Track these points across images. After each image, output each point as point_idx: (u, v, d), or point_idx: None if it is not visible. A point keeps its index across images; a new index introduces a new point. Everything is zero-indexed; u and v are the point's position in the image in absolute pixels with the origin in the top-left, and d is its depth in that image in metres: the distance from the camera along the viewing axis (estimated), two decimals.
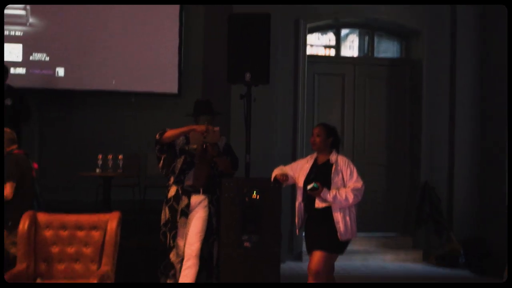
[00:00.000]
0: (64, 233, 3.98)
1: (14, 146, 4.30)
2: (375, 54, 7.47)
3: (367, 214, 7.10)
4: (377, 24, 7.21)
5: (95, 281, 3.51)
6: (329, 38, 7.48)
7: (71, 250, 3.96)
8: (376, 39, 7.45)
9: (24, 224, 3.82)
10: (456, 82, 6.89)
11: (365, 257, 6.76)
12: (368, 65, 7.31)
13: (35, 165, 4.43)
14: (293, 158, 6.31)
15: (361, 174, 7.13)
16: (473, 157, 6.87)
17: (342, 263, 6.47)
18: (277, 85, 6.50)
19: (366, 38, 7.47)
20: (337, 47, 7.42)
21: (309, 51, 7.12)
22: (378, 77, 7.27)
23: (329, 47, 7.49)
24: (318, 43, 7.49)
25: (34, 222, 3.91)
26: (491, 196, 6.63)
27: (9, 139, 4.25)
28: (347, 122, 7.19)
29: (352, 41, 7.60)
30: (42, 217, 3.98)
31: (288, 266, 6.22)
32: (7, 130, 4.28)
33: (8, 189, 4.07)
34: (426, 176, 6.91)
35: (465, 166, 6.86)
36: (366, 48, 7.49)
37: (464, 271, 6.31)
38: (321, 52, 7.50)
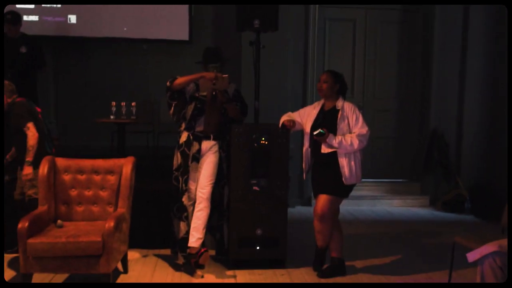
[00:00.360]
0: (82, 177, 4.17)
1: (15, 96, 4.41)
2: None
3: (376, 160, 7.23)
4: None
5: (112, 223, 3.70)
6: None
7: (88, 193, 4.16)
8: None
9: (43, 168, 4.00)
10: (469, 28, 6.79)
11: (373, 202, 6.93)
12: (380, 9, 7.19)
13: (38, 109, 4.58)
14: (303, 104, 6.37)
15: (370, 120, 7.22)
16: (482, 104, 6.87)
17: (350, 207, 6.69)
18: (288, 31, 6.49)
19: None
20: None
21: None
22: (390, 22, 7.18)
23: None
24: None
25: (53, 167, 4.09)
26: (499, 143, 6.67)
27: (9, 90, 4.35)
28: (358, 68, 7.18)
29: None
30: (60, 162, 4.16)
31: (297, 211, 6.43)
32: (6, 82, 4.39)
33: (32, 128, 4.22)
34: (436, 123, 6.96)
35: (475, 112, 6.87)
36: None
37: (468, 216, 6.45)
38: None
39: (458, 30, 6.86)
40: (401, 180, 7.28)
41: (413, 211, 6.71)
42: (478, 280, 2.99)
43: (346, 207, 6.70)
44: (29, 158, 4.18)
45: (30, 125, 4.22)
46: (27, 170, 4.19)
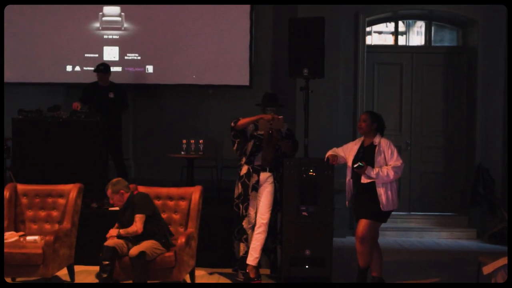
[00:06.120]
0: (158, 202, 4.94)
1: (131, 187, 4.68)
2: (433, 43, 7.89)
3: (425, 194, 7.64)
4: (433, 14, 7.62)
5: (184, 239, 4.43)
6: (388, 28, 8.02)
7: (164, 216, 4.90)
8: (433, 28, 7.86)
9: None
10: None
11: (421, 234, 7.29)
12: (425, 53, 7.72)
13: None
14: (353, 140, 6.94)
15: (418, 157, 7.71)
16: None
17: (399, 238, 7.13)
18: (338, 76, 7.17)
19: (423, 27, 7.89)
20: (396, 37, 7.94)
21: (369, 41, 7.70)
22: (436, 64, 7.67)
23: (390, 33, 8.00)
24: (378, 32, 8.03)
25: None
26: None
27: (125, 185, 4.57)
28: (405, 107, 7.66)
29: (410, 31, 8.07)
30: (141, 189, 4.94)
31: (347, 240, 6.90)
32: (120, 178, 4.66)
33: (139, 223, 4.41)
34: (482, 159, 7.28)
35: None
36: (424, 37, 7.91)
37: None
38: (381, 42, 8.05)
39: (501, 69, 7.22)
40: (449, 213, 7.59)
41: (460, 242, 7.01)
42: None
43: (395, 238, 7.15)
44: (124, 231, 4.41)
45: (139, 217, 4.42)
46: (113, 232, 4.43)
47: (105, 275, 4.21)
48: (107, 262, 4.20)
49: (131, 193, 4.57)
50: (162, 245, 4.44)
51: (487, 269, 3.45)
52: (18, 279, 4.94)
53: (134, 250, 4.26)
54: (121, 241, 4.36)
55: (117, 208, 4.77)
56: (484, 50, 7.31)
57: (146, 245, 4.33)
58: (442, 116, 7.69)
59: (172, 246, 4.48)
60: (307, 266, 4.90)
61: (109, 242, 4.31)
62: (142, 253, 4.23)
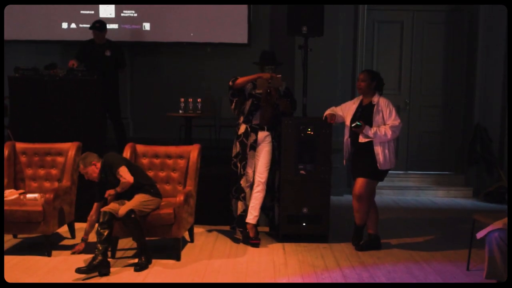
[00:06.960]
0: (157, 161, 4.99)
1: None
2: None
3: (422, 153, 7.67)
4: None
5: (182, 197, 4.47)
6: None
7: (162, 174, 4.98)
8: None
9: (127, 153, 4.86)
10: None
11: (417, 192, 7.37)
12: (426, 11, 7.57)
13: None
14: (352, 99, 6.91)
15: (417, 116, 7.70)
16: None
17: (395, 197, 7.21)
18: (338, 34, 7.07)
19: None
20: None
21: None
22: (437, 22, 7.56)
23: None
24: None
25: (134, 152, 4.95)
26: None
27: (96, 157, 4.47)
28: (405, 66, 7.60)
29: None
30: (139, 148, 5.00)
31: (344, 198, 6.99)
32: (88, 152, 4.51)
33: (124, 173, 4.35)
34: (480, 118, 7.28)
35: None
36: None
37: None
38: None
39: (503, 28, 7.11)
40: (446, 172, 7.65)
41: (456, 201, 7.09)
42: (486, 255, 3.47)
43: (391, 196, 7.23)
44: (118, 188, 4.38)
45: (121, 169, 4.37)
46: (110, 192, 4.41)
47: (102, 238, 4.19)
48: (105, 226, 4.21)
49: (102, 161, 4.47)
50: (152, 195, 4.45)
51: (480, 234, 3.49)
52: (20, 236, 5.02)
53: (122, 210, 4.25)
54: (116, 204, 4.35)
55: None
56: (485, 8, 7.19)
57: (134, 202, 4.33)
58: (442, 75, 7.64)
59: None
60: (304, 224, 4.96)
61: (105, 208, 4.31)
62: (130, 212, 4.24)
